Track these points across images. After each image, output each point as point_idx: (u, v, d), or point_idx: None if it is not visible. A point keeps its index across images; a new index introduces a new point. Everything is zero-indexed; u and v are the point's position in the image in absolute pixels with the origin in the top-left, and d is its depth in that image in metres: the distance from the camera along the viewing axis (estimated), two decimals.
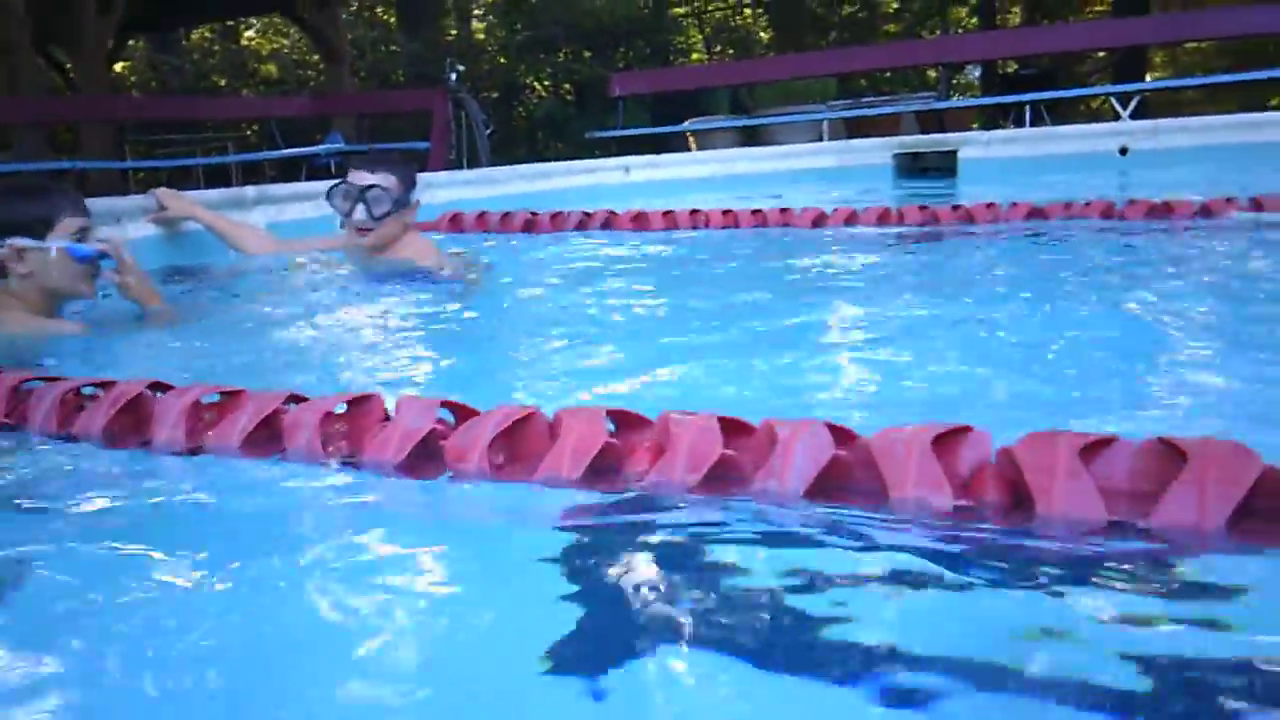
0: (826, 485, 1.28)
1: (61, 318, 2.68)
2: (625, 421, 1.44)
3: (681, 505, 1.31)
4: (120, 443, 1.59)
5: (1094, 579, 1.11)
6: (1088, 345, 2.24)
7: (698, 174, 6.80)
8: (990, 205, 4.21)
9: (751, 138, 10.72)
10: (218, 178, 11.77)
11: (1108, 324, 2.45)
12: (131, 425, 1.62)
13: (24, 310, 2.56)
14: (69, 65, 14.70)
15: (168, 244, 3.97)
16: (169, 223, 3.93)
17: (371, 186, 3.29)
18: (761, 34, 23.69)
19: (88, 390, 1.69)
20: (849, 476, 1.29)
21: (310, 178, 10.75)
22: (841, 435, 1.33)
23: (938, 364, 2.10)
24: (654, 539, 1.26)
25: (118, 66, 18.80)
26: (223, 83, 19.42)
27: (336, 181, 3.38)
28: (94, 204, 3.93)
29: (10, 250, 2.52)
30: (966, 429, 1.28)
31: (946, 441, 1.26)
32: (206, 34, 23.36)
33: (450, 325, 2.93)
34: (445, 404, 1.53)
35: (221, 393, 1.63)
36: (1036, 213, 4.10)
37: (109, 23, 12.44)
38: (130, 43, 18.76)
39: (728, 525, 1.27)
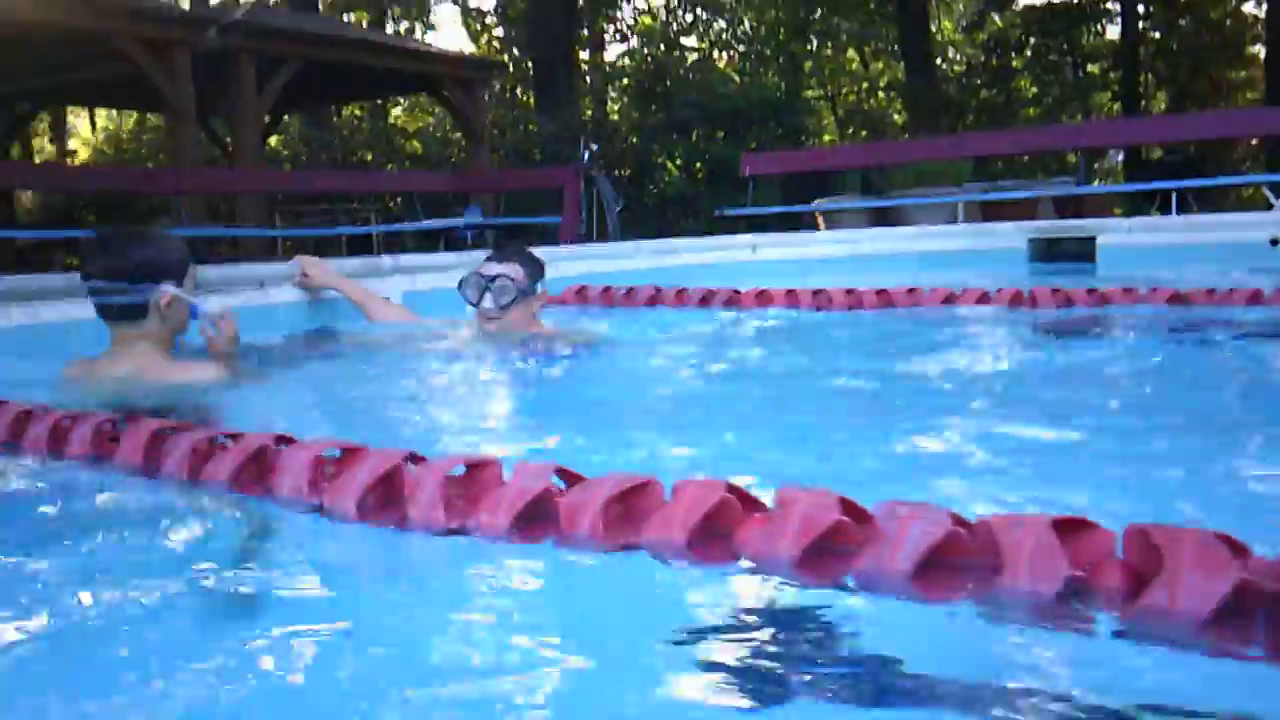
0: (936, 565, 1.23)
1: (189, 360, 2.82)
2: (740, 497, 1.41)
3: (790, 581, 1.28)
4: (245, 490, 1.64)
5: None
6: (1225, 441, 2.11)
7: (825, 253, 6.76)
8: (1129, 290, 4.07)
9: (882, 219, 10.65)
10: (360, 246, 12.25)
11: (1255, 418, 2.32)
12: (255, 475, 1.67)
13: (158, 352, 2.71)
14: (228, 138, 15.60)
15: (307, 309, 4.14)
16: (311, 289, 4.11)
17: (497, 277, 3.40)
18: (895, 117, 23.70)
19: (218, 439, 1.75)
20: (961, 556, 1.24)
21: (449, 248, 11.11)
22: (956, 521, 1.28)
23: (1061, 455, 2.01)
24: (764, 615, 1.23)
25: (272, 140, 19.89)
26: (370, 157, 20.31)
27: (469, 273, 3.51)
28: (244, 270, 4.17)
29: (170, 296, 2.67)
30: (1088, 523, 1.21)
31: (1066, 531, 1.20)
32: (356, 111, 24.56)
33: (569, 395, 2.96)
34: (559, 470, 1.53)
35: (343, 449, 1.67)
36: (1178, 298, 3.93)
37: (266, 100, 13.19)
38: (285, 118, 19.86)
39: (836, 602, 1.23)
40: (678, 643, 1.17)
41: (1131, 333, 3.75)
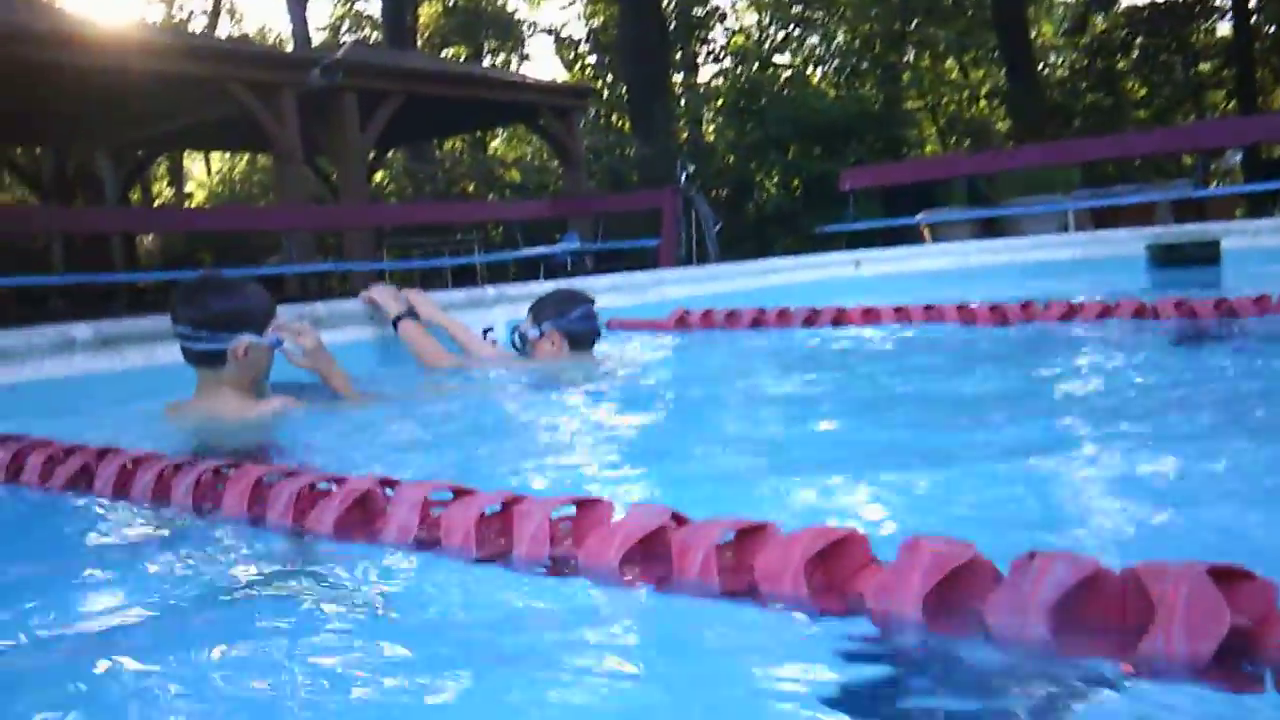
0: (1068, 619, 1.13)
1: (268, 397, 2.86)
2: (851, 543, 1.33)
3: (914, 633, 1.19)
4: (350, 536, 1.62)
5: None
6: None
7: (932, 266, 6.60)
8: (1259, 299, 3.83)
9: (990, 229, 10.37)
10: (464, 276, 12.44)
11: None
12: (360, 519, 1.65)
13: (237, 395, 2.77)
14: (333, 174, 16.02)
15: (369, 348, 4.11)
16: (381, 319, 4.04)
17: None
18: (999, 124, 23.17)
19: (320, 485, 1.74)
20: (1099, 612, 1.13)
21: (548, 276, 11.20)
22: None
23: (1191, 490, 1.86)
24: (888, 668, 1.15)
25: (377, 175, 20.40)
26: (471, 188, 20.68)
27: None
28: (346, 306, 4.20)
29: (245, 345, 2.73)
30: (1247, 573, 1.10)
31: (1222, 582, 1.08)
32: (457, 144, 25.06)
33: (632, 429, 2.90)
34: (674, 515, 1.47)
35: (454, 490, 1.63)
36: None
37: (369, 136, 13.51)
38: (389, 154, 20.34)
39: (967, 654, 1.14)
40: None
41: (1266, 342, 3.53)
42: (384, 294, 4.00)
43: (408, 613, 1.43)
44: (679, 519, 1.45)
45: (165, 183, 30.21)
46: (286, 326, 2.89)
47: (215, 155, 31.11)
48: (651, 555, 1.42)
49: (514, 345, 3.77)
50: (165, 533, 1.84)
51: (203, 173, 33.04)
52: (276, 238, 13.94)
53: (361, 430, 2.81)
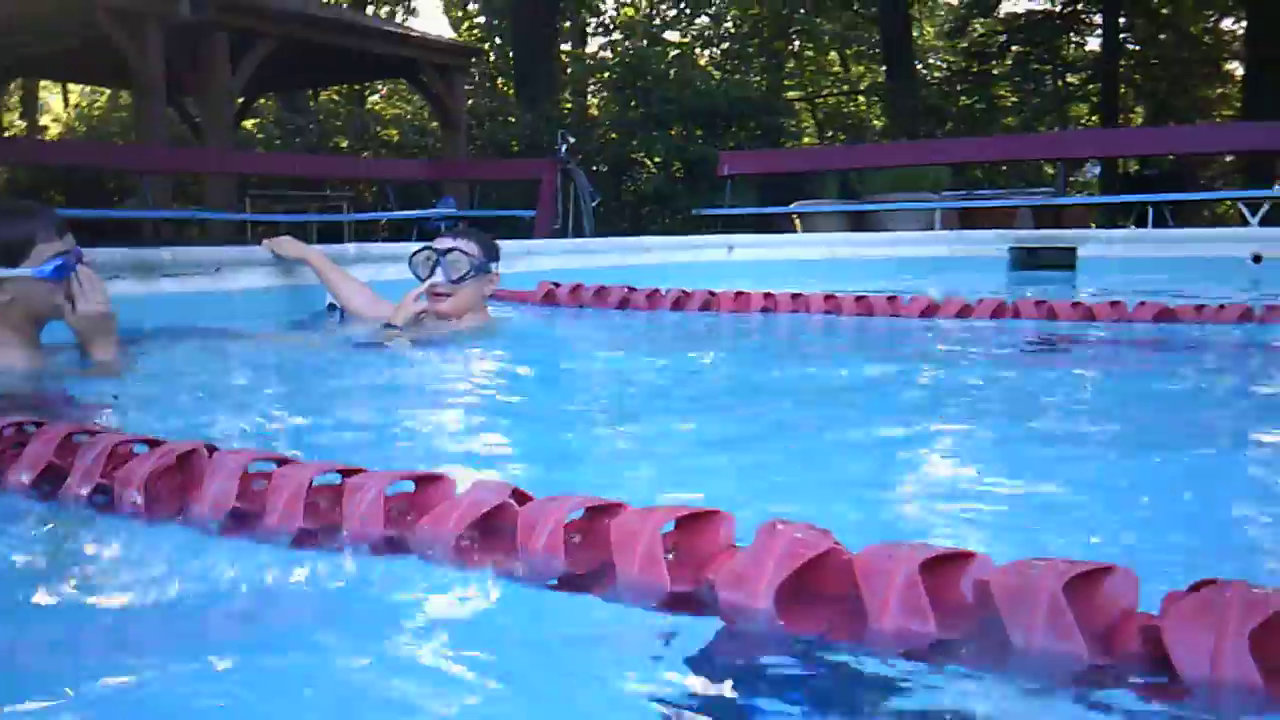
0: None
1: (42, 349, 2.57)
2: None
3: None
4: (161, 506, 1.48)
5: None
6: (1239, 481, 1.98)
7: (802, 255, 6.65)
8: (1115, 304, 3.96)
9: (859, 223, 10.55)
10: (332, 236, 12.03)
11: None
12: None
13: (12, 336, 2.47)
14: (198, 118, 15.30)
15: (262, 295, 3.98)
16: (282, 258, 4.01)
17: (451, 250, 3.32)
18: (875, 121, 23.66)
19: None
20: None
21: (421, 239, 10.91)
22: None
23: (1049, 487, 1.88)
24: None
25: (247, 123, 19.58)
26: (345, 144, 20.04)
27: (420, 247, 3.40)
28: (200, 253, 3.99)
29: None
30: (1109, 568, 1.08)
31: (1080, 583, 1.06)
32: (334, 96, 24.26)
33: (506, 402, 2.82)
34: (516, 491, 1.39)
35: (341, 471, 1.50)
36: (1166, 314, 3.83)
37: (239, 79, 12.91)
38: (260, 100, 19.55)
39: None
40: None
41: (1119, 347, 3.65)
42: (282, 242, 3.98)
43: (217, 595, 1.31)
44: (521, 496, 1.38)
45: (17, 115, 28.42)
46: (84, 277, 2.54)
47: (74, 90, 29.41)
48: (493, 532, 1.34)
49: (423, 274, 3.35)
50: None
51: (59, 106, 31.19)
52: (134, 180, 13.20)
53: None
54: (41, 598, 1.27)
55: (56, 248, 2.48)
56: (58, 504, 1.49)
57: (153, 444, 1.54)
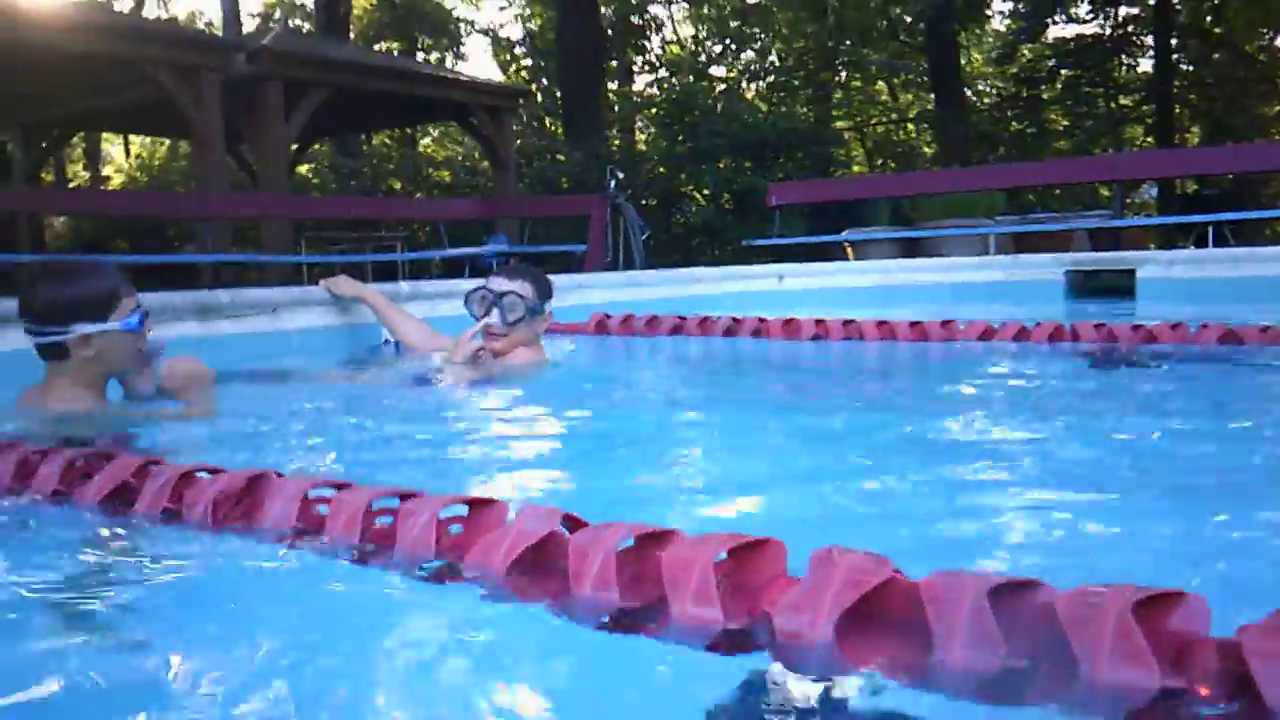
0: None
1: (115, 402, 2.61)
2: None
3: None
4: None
5: None
6: None
7: (854, 283, 6.60)
8: (1176, 326, 3.87)
9: (912, 250, 10.46)
10: (387, 275, 12.19)
11: None
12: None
13: (79, 389, 2.49)
14: (255, 165, 15.61)
15: (323, 335, 4.04)
16: (340, 299, 4.11)
17: (507, 293, 3.35)
18: (925, 149, 23.52)
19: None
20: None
21: (474, 275, 11.02)
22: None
23: (1120, 511, 1.82)
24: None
25: (302, 168, 19.97)
26: (398, 185, 20.35)
27: (476, 286, 3.43)
28: (257, 294, 4.06)
29: (80, 337, 2.45)
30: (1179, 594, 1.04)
31: (1150, 608, 1.03)
32: (386, 139, 24.67)
33: (556, 434, 2.81)
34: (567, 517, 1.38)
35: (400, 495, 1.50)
36: (1230, 336, 3.73)
37: (294, 127, 13.17)
38: (314, 146, 19.93)
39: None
40: None
41: (1179, 369, 3.56)
42: (337, 282, 4.09)
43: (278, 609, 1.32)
44: (574, 522, 1.37)
45: (81, 165, 29.26)
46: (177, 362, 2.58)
47: (135, 140, 30.21)
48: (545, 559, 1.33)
49: (479, 314, 3.39)
50: None
51: (121, 157, 32.07)
52: (193, 227, 13.49)
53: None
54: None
55: (136, 300, 2.55)
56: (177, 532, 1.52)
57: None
